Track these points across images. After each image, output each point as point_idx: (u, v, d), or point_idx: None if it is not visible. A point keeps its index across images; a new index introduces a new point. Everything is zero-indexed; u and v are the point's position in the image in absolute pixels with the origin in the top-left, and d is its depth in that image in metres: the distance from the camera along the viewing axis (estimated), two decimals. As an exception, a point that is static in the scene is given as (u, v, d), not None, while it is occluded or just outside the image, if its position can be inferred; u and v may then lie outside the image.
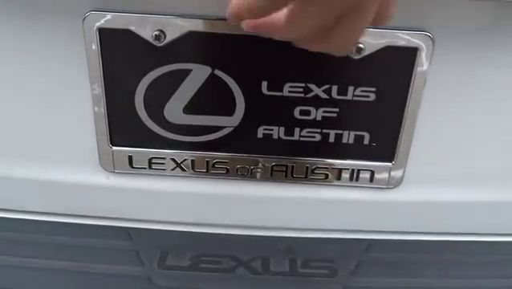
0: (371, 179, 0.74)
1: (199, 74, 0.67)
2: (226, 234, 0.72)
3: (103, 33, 0.64)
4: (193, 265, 0.68)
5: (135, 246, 0.70)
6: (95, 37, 0.64)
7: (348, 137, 0.71)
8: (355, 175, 0.74)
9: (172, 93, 0.68)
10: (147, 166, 0.74)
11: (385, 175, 0.74)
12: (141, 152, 0.73)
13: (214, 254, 0.68)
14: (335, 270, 0.70)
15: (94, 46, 0.65)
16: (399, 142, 0.71)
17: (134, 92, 0.68)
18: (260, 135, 0.71)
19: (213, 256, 0.68)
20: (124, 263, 0.67)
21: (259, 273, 0.68)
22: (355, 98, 0.68)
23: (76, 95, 0.70)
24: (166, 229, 0.73)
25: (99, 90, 0.68)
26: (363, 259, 0.73)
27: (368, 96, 0.68)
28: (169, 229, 0.73)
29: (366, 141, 0.71)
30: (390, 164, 0.73)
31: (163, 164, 0.74)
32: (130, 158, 0.74)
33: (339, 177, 0.74)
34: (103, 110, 0.70)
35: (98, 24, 0.64)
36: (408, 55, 0.65)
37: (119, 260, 0.67)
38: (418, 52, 0.64)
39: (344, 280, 0.68)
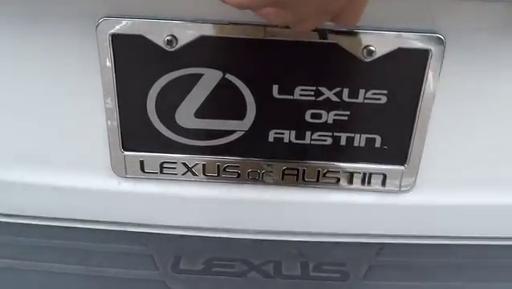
0: (383, 183, 0.76)
1: (210, 78, 0.69)
2: (238, 239, 0.75)
3: (116, 39, 0.67)
4: (206, 269, 0.70)
5: (149, 250, 0.72)
6: (108, 43, 0.67)
7: (360, 140, 0.73)
8: (366, 179, 0.76)
9: (184, 98, 0.71)
10: (158, 171, 0.77)
11: (397, 178, 0.76)
12: (153, 157, 0.76)
13: (227, 258, 0.71)
14: (346, 273, 0.71)
15: (107, 52, 0.68)
16: (411, 145, 0.73)
17: (146, 97, 0.71)
18: (271, 139, 0.74)
19: (226, 260, 0.70)
20: (139, 268, 0.69)
21: (271, 276, 0.70)
22: (366, 101, 0.70)
23: (89, 100, 0.72)
24: (179, 234, 0.76)
25: (112, 94, 0.71)
26: (374, 263, 0.74)
27: (380, 99, 0.70)
28: (182, 234, 0.76)
29: (377, 144, 0.73)
30: (402, 167, 0.75)
31: (174, 168, 0.77)
32: (141, 163, 0.77)
33: (350, 181, 0.76)
34: (115, 115, 0.72)
35: (111, 30, 0.67)
36: (420, 57, 0.67)
37: (134, 264, 0.70)
38: (429, 54, 0.66)
39: (356, 284, 0.70)
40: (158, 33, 0.67)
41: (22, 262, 0.73)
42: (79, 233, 0.78)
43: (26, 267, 0.72)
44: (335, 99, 0.70)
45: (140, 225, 0.80)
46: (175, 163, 0.76)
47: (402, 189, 0.76)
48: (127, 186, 0.78)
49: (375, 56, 0.67)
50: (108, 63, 0.69)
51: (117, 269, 0.70)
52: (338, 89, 0.69)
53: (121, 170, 0.77)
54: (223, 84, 0.70)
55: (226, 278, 0.69)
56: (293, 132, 0.73)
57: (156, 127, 0.73)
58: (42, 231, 0.80)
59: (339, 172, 0.76)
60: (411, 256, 0.75)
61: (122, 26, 0.66)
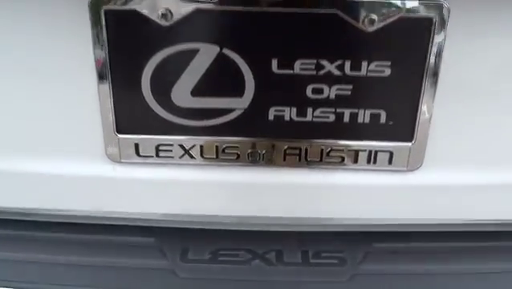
0: (390, 161, 0.75)
1: (207, 53, 0.69)
2: (242, 230, 0.75)
3: (109, 14, 0.67)
4: (213, 258, 0.72)
5: (158, 242, 0.74)
6: (101, 18, 0.67)
7: (364, 116, 0.72)
8: (372, 157, 0.75)
9: (180, 75, 0.70)
10: (154, 154, 0.76)
11: (405, 156, 0.75)
12: (148, 139, 0.75)
13: (231, 247, 0.73)
14: (343, 260, 0.71)
15: (100, 28, 0.68)
16: (417, 119, 0.72)
17: (140, 75, 0.71)
18: (271, 116, 0.73)
19: (231, 250, 0.73)
20: (149, 258, 0.71)
21: (273, 264, 0.72)
22: (369, 74, 0.69)
23: (80, 80, 0.72)
24: (185, 227, 0.76)
25: (105, 74, 0.70)
26: (381, 247, 0.74)
27: (383, 71, 0.69)
28: (188, 227, 0.76)
29: (382, 120, 0.72)
30: (409, 144, 0.74)
31: (170, 151, 0.76)
32: (136, 146, 0.76)
33: (355, 160, 0.75)
34: (108, 95, 0.72)
35: (104, 5, 0.66)
36: (423, 26, 0.66)
37: (145, 255, 0.72)
38: (433, 22, 0.66)
39: (352, 269, 0.71)
40: (152, 7, 0.66)
41: (18, 254, 0.73)
42: (71, 225, 0.77)
43: (23, 259, 0.72)
44: (336, 72, 0.70)
45: (137, 213, 0.79)
46: (171, 145, 0.75)
47: (410, 167, 0.75)
48: (122, 172, 0.77)
49: (377, 26, 0.66)
50: (101, 40, 0.68)
51: (128, 259, 0.71)
52: (339, 62, 0.69)
53: (116, 155, 0.76)
54: (220, 60, 0.69)
55: (232, 266, 0.71)
56: (294, 109, 0.72)
57: (152, 107, 0.72)
58: (32, 225, 0.79)
59: (343, 150, 0.75)
60: (420, 241, 0.74)
61: (115, 0, 0.67)
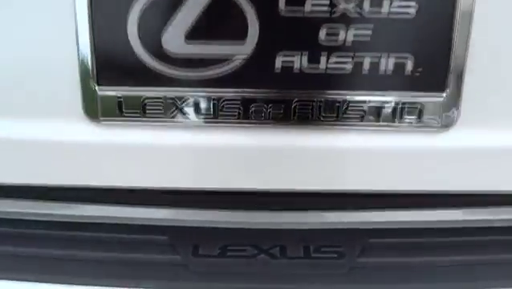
0: (419, 117, 0.65)
1: (203, -10, 0.63)
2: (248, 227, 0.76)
3: None
4: (222, 253, 0.73)
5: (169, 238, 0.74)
6: None
7: (387, 64, 0.63)
8: (398, 112, 0.65)
9: (172, 16, 0.62)
10: (140, 112, 0.66)
11: (436, 111, 0.65)
12: (133, 94, 0.65)
13: (239, 243, 0.75)
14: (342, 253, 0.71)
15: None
16: (450, 66, 0.63)
17: (126, 17, 0.62)
18: (278, 65, 0.64)
19: (238, 245, 0.75)
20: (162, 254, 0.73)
21: (278, 258, 0.73)
22: (391, 14, 0.61)
23: (54, 22, 0.63)
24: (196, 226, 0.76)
25: (84, 15, 0.61)
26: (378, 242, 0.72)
27: (408, 8, 0.61)
28: (199, 226, 0.76)
29: (409, 68, 0.63)
30: (441, 95, 0.64)
31: (160, 108, 0.66)
32: (119, 102, 0.66)
33: (378, 117, 0.66)
34: (88, 40, 0.63)
35: None
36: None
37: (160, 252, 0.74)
38: (465, -51, 0.60)
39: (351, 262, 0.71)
40: None
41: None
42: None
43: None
44: (353, 12, 0.61)
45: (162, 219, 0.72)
46: (161, 102, 0.66)
47: (442, 124, 0.65)
48: (101, 135, 0.67)
49: (400, -45, 0.61)
50: (81, -26, 0.62)
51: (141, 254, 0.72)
52: (357, -1, 0.62)
53: (94, 113, 0.66)
54: (219, -2, 0.63)
55: (239, 260, 0.73)
56: (305, 57, 0.63)
57: (139, 55, 0.63)
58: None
59: (363, 105, 0.65)
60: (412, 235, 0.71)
61: None
